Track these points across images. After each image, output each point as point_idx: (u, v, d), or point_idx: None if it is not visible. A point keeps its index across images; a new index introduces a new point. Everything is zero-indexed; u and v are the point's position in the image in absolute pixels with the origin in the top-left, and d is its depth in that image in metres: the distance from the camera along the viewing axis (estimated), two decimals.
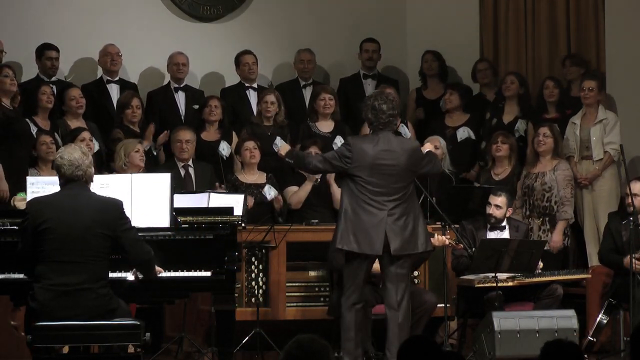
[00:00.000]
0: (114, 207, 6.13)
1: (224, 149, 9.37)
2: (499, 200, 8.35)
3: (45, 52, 9.59)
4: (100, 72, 9.90)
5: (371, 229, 7.18)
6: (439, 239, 7.89)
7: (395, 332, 7.23)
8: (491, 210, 8.34)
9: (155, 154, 9.38)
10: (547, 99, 9.76)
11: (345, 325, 7.27)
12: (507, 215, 8.45)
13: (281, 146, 8.23)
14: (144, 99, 9.74)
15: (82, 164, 6.09)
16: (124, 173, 7.98)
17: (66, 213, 6.02)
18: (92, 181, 6.19)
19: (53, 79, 9.58)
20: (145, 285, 6.51)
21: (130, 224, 6.18)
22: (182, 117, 9.84)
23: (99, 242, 6.02)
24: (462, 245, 8.02)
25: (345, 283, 7.34)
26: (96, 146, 8.95)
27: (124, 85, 9.82)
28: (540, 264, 8.21)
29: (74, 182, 6.10)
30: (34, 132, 8.77)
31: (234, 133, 9.60)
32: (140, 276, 6.37)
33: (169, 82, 9.99)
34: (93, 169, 6.19)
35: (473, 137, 9.92)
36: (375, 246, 7.18)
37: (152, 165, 9.11)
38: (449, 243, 7.95)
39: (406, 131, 9.82)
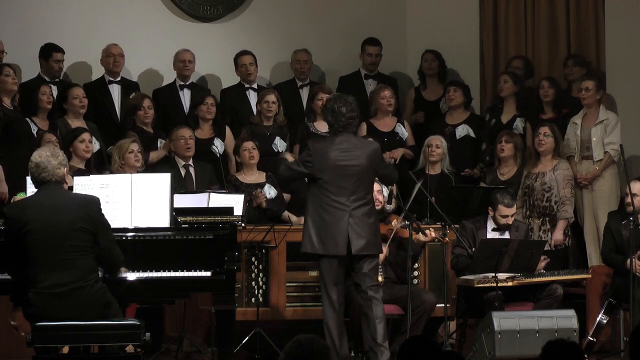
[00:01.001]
0: (94, 204, 6.13)
1: (217, 146, 9.38)
2: (512, 210, 8.33)
3: (53, 55, 9.56)
4: (101, 72, 9.88)
5: (334, 230, 7.28)
6: (428, 234, 7.89)
7: (372, 316, 7.30)
8: (506, 220, 8.31)
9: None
10: (542, 98, 9.77)
11: (327, 325, 7.32)
12: None
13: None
14: None
15: (47, 166, 6.07)
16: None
17: (47, 213, 6.01)
18: (64, 182, 6.17)
19: (55, 79, 9.59)
20: (146, 285, 6.52)
21: (108, 223, 6.19)
22: (187, 115, 9.84)
23: (82, 236, 6.01)
24: (447, 240, 7.99)
25: (321, 285, 7.41)
26: (96, 146, 8.96)
27: (126, 85, 9.81)
28: (543, 263, 8.20)
29: (45, 184, 6.09)
30: (34, 132, 8.77)
31: (228, 129, 9.60)
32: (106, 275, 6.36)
33: (175, 80, 10.00)
34: (63, 169, 6.14)
35: (472, 134, 9.92)
36: (339, 246, 7.28)
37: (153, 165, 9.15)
38: (435, 237, 7.91)
39: (403, 131, 9.84)
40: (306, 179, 7.60)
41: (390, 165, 7.89)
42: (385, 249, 7.80)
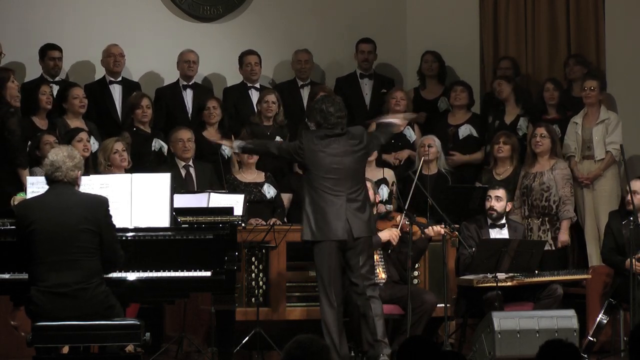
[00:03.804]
0: (101, 204, 6.13)
1: (226, 149, 9.38)
2: (499, 192, 8.41)
3: (48, 52, 9.60)
4: (102, 72, 9.89)
5: (332, 216, 7.34)
6: (434, 230, 7.91)
7: (371, 315, 7.34)
8: (492, 202, 8.38)
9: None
10: (547, 101, 9.77)
11: (326, 325, 7.33)
12: (507, 209, 8.48)
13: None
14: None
15: (62, 166, 6.07)
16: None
17: (54, 212, 6.01)
18: (76, 184, 6.16)
19: (57, 79, 9.59)
20: (146, 285, 6.52)
21: (113, 222, 6.19)
22: (189, 115, 9.85)
23: (87, 237, 6.01)
24: (457, 234, 8.02)
25: (319, 284, 7.40)
26: (95, 146, 8.95)
27: (127, 85, 9.82)
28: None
29: (56, 183, 6.09)
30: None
31: (232, 137, 9.60)
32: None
33: (178, 80, 10.01)
34: (77, 171, 6.13)
35: (475, 134, 9.92)
36: (339, 232, 7.33)
37: (156, 165, 9.14)
38: (445, 232, 7.94)
39: (411, 133, 9.86)
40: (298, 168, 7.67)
41: (377, 135, 7.90)
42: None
